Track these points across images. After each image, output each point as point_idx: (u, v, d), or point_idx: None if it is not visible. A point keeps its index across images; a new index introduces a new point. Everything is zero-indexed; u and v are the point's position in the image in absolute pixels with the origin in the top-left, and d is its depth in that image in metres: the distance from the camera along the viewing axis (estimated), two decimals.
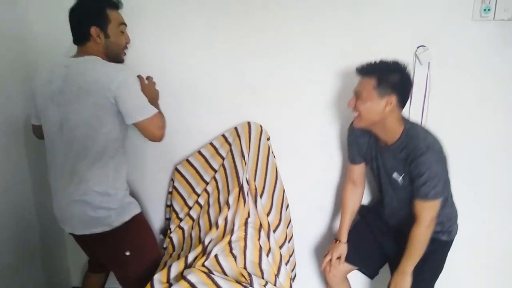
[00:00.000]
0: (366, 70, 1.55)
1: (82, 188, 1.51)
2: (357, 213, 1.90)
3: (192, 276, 1.42)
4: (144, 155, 1.99)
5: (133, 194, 1.96)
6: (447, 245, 1.69)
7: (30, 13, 1.89)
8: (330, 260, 1.80)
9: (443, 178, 1.52)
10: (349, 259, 1.82)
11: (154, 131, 1.54)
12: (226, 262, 1.52)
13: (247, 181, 1.72)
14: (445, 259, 1.72)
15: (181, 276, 1.45)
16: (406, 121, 1.59)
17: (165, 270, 1.51)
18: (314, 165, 1.99)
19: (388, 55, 1.72)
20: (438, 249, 1.66)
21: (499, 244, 1.98)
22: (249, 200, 1.70)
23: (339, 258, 1.80)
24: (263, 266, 1.54)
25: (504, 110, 1.83)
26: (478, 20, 1.74)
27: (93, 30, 1.52)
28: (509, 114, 1.83)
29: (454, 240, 1.72)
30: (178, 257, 1.66)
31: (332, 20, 1.79)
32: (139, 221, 1.65)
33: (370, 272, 1.85)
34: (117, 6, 1.62)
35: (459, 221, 1.74)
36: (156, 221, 2.12)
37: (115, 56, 1.61)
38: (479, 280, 2.05)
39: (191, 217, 1.84)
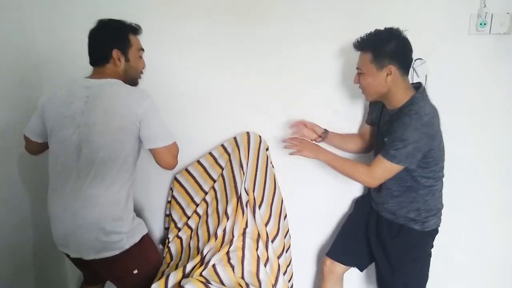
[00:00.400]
0: (361, 45, 1.56)
1: (96, 212, 1.46)
2: (352, 203, 1.96)
3: (190, 286, 1.43)
4: (144, 165, 1.98)
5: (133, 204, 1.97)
6: (422, 236, 1.65)
7: (33, 23, 1.91)
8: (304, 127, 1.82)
9: (411, 148, 1.44)
10: (342, 260, 1.86)
11: (169, 159, 1.56)
12: (224, 272, 1.53)
13: (246, 192, 1.73)
14: (426, 253, 1.68)
15: (179, 286, 1.45)
16: (417, 90, 1.54)
17: (163, 280, 1.51)
18: (312, 175, 2.00)
19: None
20: (411, 239, 1.64)
21: (498, 248, 2.01)
22: (248, 210, 1.71)
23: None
24: (261, 276, 1.55)
25: (500, 120, 1.86)
26: (475, 34, 1.77)
27: (115, 53, 1.53)
28: (506, 124, 1.86)
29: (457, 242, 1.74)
30: (176, 267, 1.66)
31: (332, 35, 1.82)
32: (147, 239, 1.63)
33: (361, 267, 1.88)
34: (138, 31, 1.64)
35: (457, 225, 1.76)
36: (156, 230, 2.12)
37: (132, 80, 1.62)
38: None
39: (189, 227, 1.84)
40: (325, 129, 1.85)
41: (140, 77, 1.69)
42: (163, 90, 1.92)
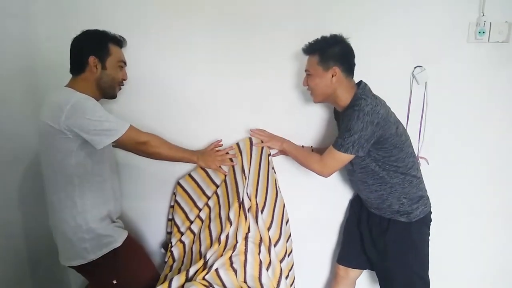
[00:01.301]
0: (309, 49, 1.66)
1: (56, 218, 1.53)
2: (348, 204, 2.02)
3: None
4: (148, 169, 2.02)
5: (136, 208, 1.97)
6: (410, 227, 1.68)
7: (37, 28, 1.92)
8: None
9: (356, 137, 1.52)
10: (354, 265, 1.92)
11: (135, 148, 1.60)
12: (227, 276, 1.54)
13: (248, 197, 1.75)
14: (420, 243, 1.70)
15: None
16: (359, 87, 1.63)
17: (166, 284, 1.52)
18: (314, 179, 2.01)
19: (386, 75, 1.81)
20: (400, 232, 1.68)
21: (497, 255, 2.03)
22: (250, 215, 1.73)
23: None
24: (263, 280, 1.56)
25: (498, 127, 1.90)
26: (473, 42, 1.80)
27: (92, 59, 1.52)
28: (504, 130, 1.90)
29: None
30: (179, 271, 1.67)
31: None
32: (123, 251, 1.58)
33: (370, 267, 1.90)
34: (120, 43, 1.65)
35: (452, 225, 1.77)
36: (159, 235, 2.14)
37: (108, 88, 1.60)
38: None
39: (192, 231, 1.86)
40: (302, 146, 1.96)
41: (119, 89, 1.67)
42: (166, 96, 1.94)
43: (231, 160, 1.87)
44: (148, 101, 1.95)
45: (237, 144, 1.94)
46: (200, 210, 1.90)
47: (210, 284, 1.49)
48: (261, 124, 1.96)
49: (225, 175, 1.90)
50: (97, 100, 1.54)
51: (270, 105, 1.95)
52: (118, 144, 1.54)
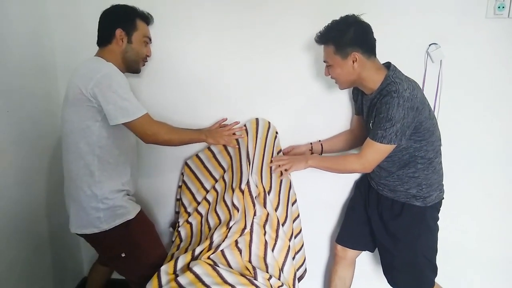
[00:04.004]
0: (322, 39, 1.57)
1: (72, 185, 1.56)
2: (354, 184, 1.99)
3: (198, 268, 1.45)
4: (156, 149, 2.01)
5: (145, 187, 1.99)
6: (425, 211, 1.63)
7: (49, 11, 1.93)
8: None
9: (399, 126, 1.45)
10: (351, 245, 1.90)
11: (142, 134, 1.54)
12: (232, 256, 1.54)
13: (255, 184, 1.74)
14: (431, 228, 1.67)
15: (188, 268, 1.48)
16: (389, 68, 1.55)
17: (172, 262, 1.53)
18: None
19: (400, 52, 1.74)
20: (414, 216, 1.63)
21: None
22: (257, 201, 1.70)
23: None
24: (268, 260, 1.56)
25: None
26: (492, 17, 1.71)
27: (118, 32, 1.57)
28: None
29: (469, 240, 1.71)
30: (186, 251, 1.68)
31: None
32: (136, 224, 1.62)
33: (371, 249, 1.90)
34: (147, 20, 1.69)
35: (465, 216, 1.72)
36: (167, 214, 2.15)
37: (132, 62, 1.64)
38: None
39: (199, 213, 1.86)
40: (311, 149, 1.90)
41: (143, 64, 1.71)
42: (175, 78, 1.94)
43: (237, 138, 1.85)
44: (153, 82, 1.96)
45: (244, 125, 1.91)
46: (207, 191, 1.90)
47: (215, 264, 1.49)
48: (272, 109, 1.94)
49: (231, 158, 1.88)
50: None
51: (281, 90, 1.92)
52: (129, 127, 1.51)
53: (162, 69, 1.93)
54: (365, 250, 1.93)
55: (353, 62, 1.52)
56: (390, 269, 1.75)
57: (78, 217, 1.56)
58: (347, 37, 1.50)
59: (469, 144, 1.86)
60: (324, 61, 1.62)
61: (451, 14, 1.73)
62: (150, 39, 1.71)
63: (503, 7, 1.68)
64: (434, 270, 1.70)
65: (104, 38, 1.59)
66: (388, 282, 1.77)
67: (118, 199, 1.58)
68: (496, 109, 1.82)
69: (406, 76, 1.54)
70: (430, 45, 1.76)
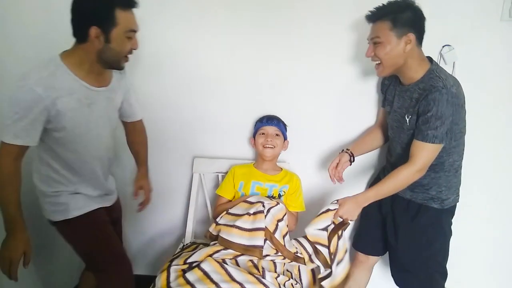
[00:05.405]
0: (378, 14, 1.50)
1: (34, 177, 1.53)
2: (366, 186, 1.95)
3: (206, 265, 1.46)
4: (165, 147, 2.03)
5: (153, 185, 1.98)
6: (441, 213, 1.61)
7: None
8: (337, 166, 1.72)
9: (448, 123, 1.41)
10: (371, 252, 1.86)
11: None
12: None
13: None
14: (445, 232, 1.64)
15: (196, 265, 1.48)
16: (432, 61, 1.53)
17: (182, 258, 1.54)
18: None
19: None
20: (430, 218, 1.60)
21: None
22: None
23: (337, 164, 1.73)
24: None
25: None
26: (507, 20, 1.70)
27: (93, 30, 1.29)
28: None
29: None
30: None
31: (356, 17, 1.76)
32: (81, 222, 1.53)
33: (382, 253, 1.86)
34: (130, 5, 1.35)
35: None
36: (178, 209, 2.15)
37: (112, 62, 1.40)
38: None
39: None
40: (350, 154, 1.75)
41: (126, 60, 1.44)
42: (186, 76, 1.93)
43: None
44: (163, 78, 1.95)
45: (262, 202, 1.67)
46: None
47: (224, 260, 1.51)
48: (281, 107, 1.93)
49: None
50: (101, 72, 1.44)
51: (290, 87, 1.92)
52: None
53: (176, 67, 1.92)
54: (381, 255, 1.86)
55: (406, 44, 1.46)
56: (399, 270, 1.72)
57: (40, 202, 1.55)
58: (407, 16, 1.45)
59: (481, 147, 1.84)
60: (373, 38, 1.52)
61: (465, 16, 1.72)
62: (135, 30, 1.39)
63: None
64: (444, 275, 1.67)
65: (77, 34, 1.34)
66: (396, 283, 1.75)
67: (62, 197, 1.51)
68: (510, 112, 1.80)
69: (447, 72, 1.51)
70: (443, 46, 1.75)
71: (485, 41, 1.74)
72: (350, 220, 1.55)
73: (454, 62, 1.76)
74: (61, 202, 1.51)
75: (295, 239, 1.68)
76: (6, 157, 1.31)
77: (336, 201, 1.56)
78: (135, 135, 1.82)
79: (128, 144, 1.84)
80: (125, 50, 1.39)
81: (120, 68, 1.46)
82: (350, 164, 1.76)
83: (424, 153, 1.45)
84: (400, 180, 1.49)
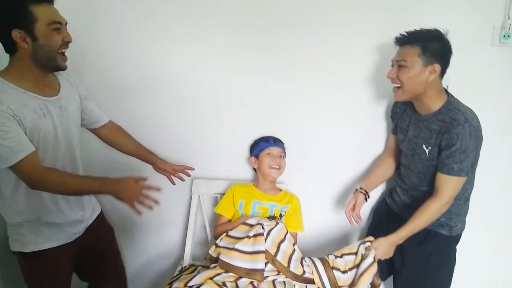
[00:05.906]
0: (409, 39, 1.50)
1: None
2: (371, 213, 1.93)
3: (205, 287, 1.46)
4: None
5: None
6: (449, 241, 1.63)
7: None
8: (354, 207, 1.73)
9: (473, 156, 1.44)
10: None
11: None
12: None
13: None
14: (451, 259, 1.65)
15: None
16: (448, 94, 1.55)
17: (183, 281, 1.52)
18: (333, 188, 2.03)
19: None
20: (438, 244, 1.61)
21: None
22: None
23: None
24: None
25: None
26: (498, 45, 1.76)
27: (16, 33, 1.24)
28: None
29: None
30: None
31: (356, 43, 1.83)
32: (32, 260, 1.47)
33: (385, 277, 1.82)
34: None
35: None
36: (177, 231, 2.15)
37: (47, 60, 1.33)
38: None
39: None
40: (364, 193, 1.77)
41: (62, 55, 1.37)
42: (184, 95, 1.95)
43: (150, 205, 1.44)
44: (160, 97, 1.96)
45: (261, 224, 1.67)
46: None
47: (224, 283, 1.50)
48: (280, 127, 1.95)
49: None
50: (45, 76, 1.38)
51: (288, 110, 1.95)
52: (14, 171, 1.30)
53: (174, 86, 1.94)
54: (384, 280, 1.82)
55: (430, 73, 1.47)
56: None
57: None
58: (436, 46, 1.46)
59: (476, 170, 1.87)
60: (398, 61, 1.52)
61: (458, 41, 1.74)
62: (61, 22, 1.33)
63: (508, 36, 1.73)
64: None
65: (6, 47, 1.30)
66: None
67: (23, 225, 1.45)
68: (503, 137, 1.85)
69: (464, 104, 1.54)
70: None
71: (477, 65, 1.80)
72: (383, 258, 1.55)
73: (447, 86, 1.80)
74: (16, 232, 1.46)
75: (309, 257, 1.65)
76: (32, 168, 1.29)
77: (367, 241, 1.58)
78: (118, 136, 1.75)
79: (123, 151, 1.78)
80: (56, 44, 1.32)
81: (60, 67, 1.38)
82: (366, 201, 1.77)
83: (450, 186, 1.47)
84: (430, 215, 1.50)
